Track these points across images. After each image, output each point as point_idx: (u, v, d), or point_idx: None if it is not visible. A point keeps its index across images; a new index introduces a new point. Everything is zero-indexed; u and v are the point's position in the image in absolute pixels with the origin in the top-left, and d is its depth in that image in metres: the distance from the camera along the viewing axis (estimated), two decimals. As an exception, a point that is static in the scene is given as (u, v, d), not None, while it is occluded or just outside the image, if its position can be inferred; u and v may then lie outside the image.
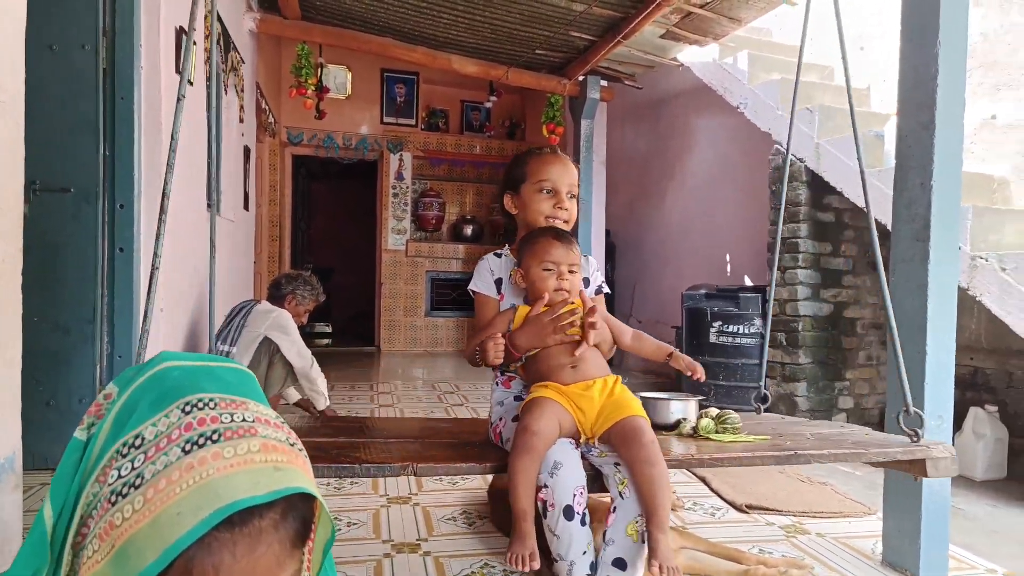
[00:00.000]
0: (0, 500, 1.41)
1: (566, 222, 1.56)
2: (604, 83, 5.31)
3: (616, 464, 1.29)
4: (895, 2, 2.07)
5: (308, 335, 7.09)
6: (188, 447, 0.57)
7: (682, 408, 1.71)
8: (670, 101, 5.82)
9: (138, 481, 0.56)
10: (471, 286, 1.59)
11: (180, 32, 2.92)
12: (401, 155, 7.12)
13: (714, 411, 1.73)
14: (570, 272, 1.45)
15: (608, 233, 5.96)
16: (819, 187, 3.68)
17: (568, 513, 1.22)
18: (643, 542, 1.22)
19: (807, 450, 1.51)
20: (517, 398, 1.51)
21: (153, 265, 1.65)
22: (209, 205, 3.73)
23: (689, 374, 1.46)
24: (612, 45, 4.50)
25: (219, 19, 3.55)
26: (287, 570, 0.58)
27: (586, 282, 1.62)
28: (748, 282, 4.76)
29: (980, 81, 3.60)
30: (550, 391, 1.35)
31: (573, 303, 1.46)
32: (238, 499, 0.54)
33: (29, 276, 1.51)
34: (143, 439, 0.58)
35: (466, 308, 7.34)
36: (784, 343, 3.75)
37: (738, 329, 3.97)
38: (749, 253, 4.72)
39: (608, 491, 1.30)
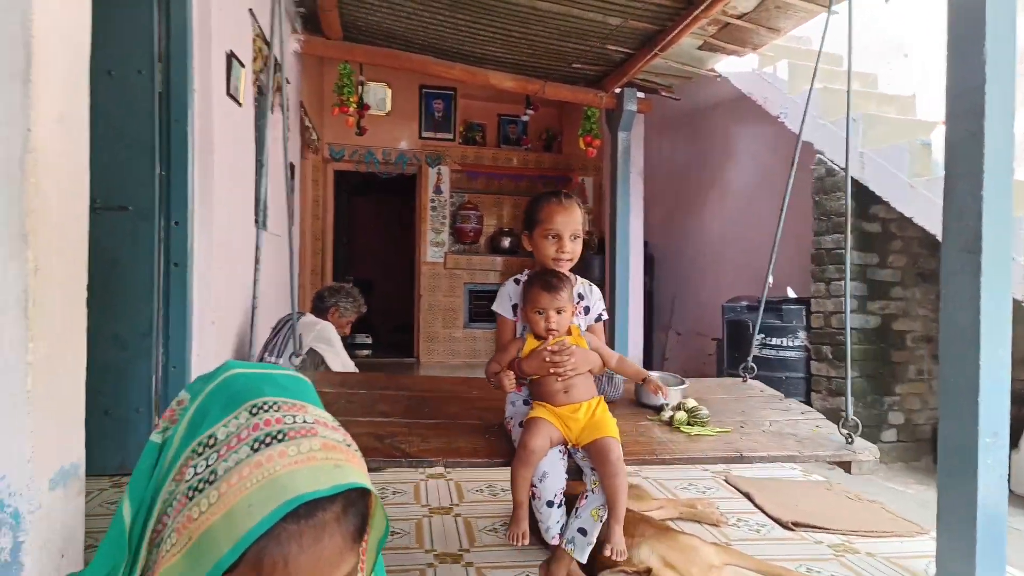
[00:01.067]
0: (65, 504, 1.48)
1: (570, 260, 1.86)
2: (641, 95, 5.31)
3: (592, 468, 1.74)
4: (941, 8, 2.03)
5: (349, 346, 7.21)
6: (256, 445, 0.61)
7: (676, 396, 2.11)
8: (708, 112, 5.78)
9: (212, 477, 0.60)
10: (494, 306, 1.93)
11: (231, 57, 3.04)
12: (439, 169, 7.22)
13: (691, 403, 2.06)
14: (557, 312, 1.78)
15: (647, 245, 5.93)
16: (864, 197, 3.60)
17: (549, 504, 1.73)
18: (600, 521, 1.71)
19: (751, 451, 1.83)
20: (525, 402, 1.88)
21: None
22: (257, 221, 3.85)
23: (655, 395, 1.93)
24: (649, 57, 4.50)
25: (266, 42, 3.68)
26: (347, 564, 0.62)
27: (587, 310, 1.93)
28: (791, 294, 4.67)
29: (1034, 86, 3.48)
30: (546, 412, 1.76)
31: (564, 336, 1.82)
32: (303, 492, 0.58)
33: (90, 291, 1.59)
34: (216, 439, 0.62)
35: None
36: (830, 356, 3.67)
37: (781, 342, 3.89)
38: (792, 264, 4.63)
39: (584, 483, 1.77)
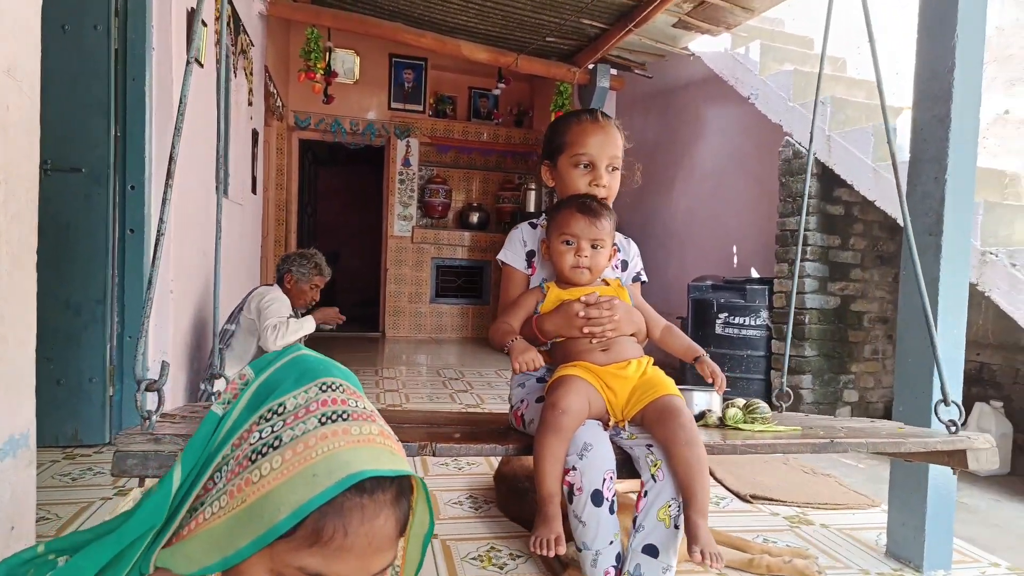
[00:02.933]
0: (15, 475, 1.43)
1: (604, 199, 1.42)
2: (614, 72, 5.28)
3: (649, 446, 1.21)
4: (913, -7, 2.05)
5: (313, 320, 7.11)
6: (323, 420, 0.63)
7: (707, 399, 1.62)
8: (680, 91, 5.79)
9: (276, 443, 0.62)
10: (500, 256, 1.48)
11: (191, 14, 2.92)
12: (408, 141, 7.10)
13: (741, 401, 1.65)
14: (592, 247, 1.33)
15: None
16: (829, 180, 3.66)
17: (596, 498, 1.15)
18: (676, 528, 1.15)
19: (844, 438, 1.44)
20: (540, 380, 1.40)
21: (156, 239, 1.63)
22: (217, 188, 3.73)
23: (710, 382, 1.37)
24: (623, 33, 4.47)
25: (230, 1, 3.54)
26: (395, 548, 0.64)
27: (624, 265, 1.53)
28: (755, 274, 4.75)
29: (994, 75, 3.57)
30: (579, 369, 1.27)
31: (599, 286, 1.38)
32: (367, 469, 0.60)
33: (41, 256, 1.52)
34: (285, 407, 0.64)
35: (471, 295, 7.34)
36: (791, 335, 3.75)
37: (744, 321, 3.96)
38: (756, 245, 4.71)
39: (638, 476, 1.22)
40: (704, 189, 5.48)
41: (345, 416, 0.64)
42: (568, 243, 1.35)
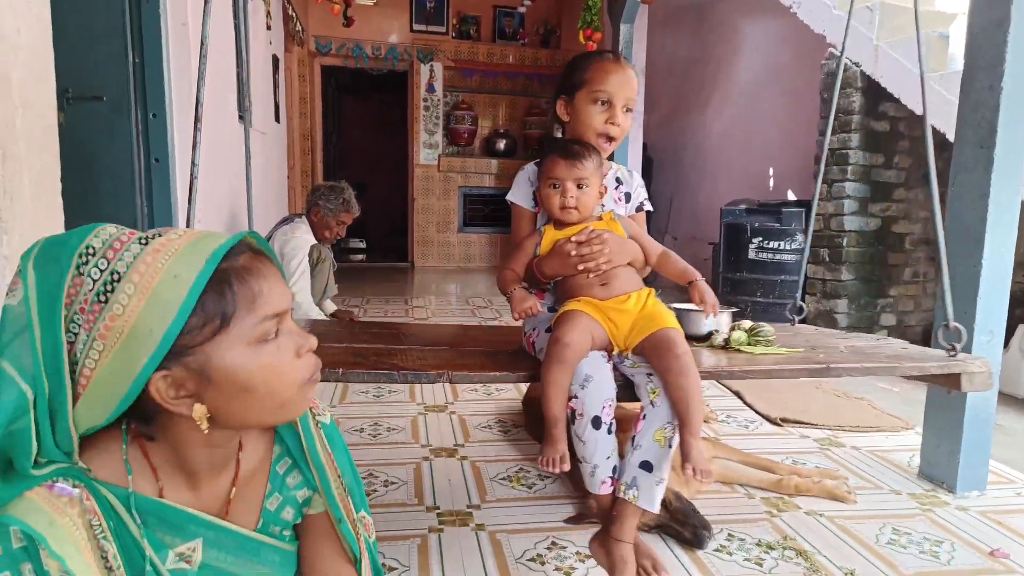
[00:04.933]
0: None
1: (615, 139, 1.49)
2: (646, -17, 4.99)
3: (648, 375, 1.32)
4: None
5: (342, 251, 7.18)
6: (143, 241, 0.68)
7: (713, 320, 1.68)
8: (716, 2, 5.47)
9: (116, 276, 0.66)
10: (509, 195, 1.56)
11: (201, -70, 2.80)
12: (432, 65, 6.91)
13: (747, 323, 1.71)
14: (579, 187, 1.41)
15: (645, 147, 5.77)
16: (875, 94, 3.47)
17: (596, 423, 1.28)
18: (669, 447, 1.28)
19: (840, 363, 1.48)
20: (551, 309, 1.51)
21: (192, 175, 1.64)
22: (241, 116, 3.70)
23: (698, 305, 1.42)
24: (656, -61, 4.19)
25: (241, -84, 3.39)
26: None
27: (627, 197, 1.58)
28: (791, 196, 4.60)
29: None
30: (583, 304, 1.37)
31: (592, 223, 1.44)
32: (221, 244, 0.69)
33: (67, 187, 1.52)
34: (93, 248, 0.67)
35: (499, 224, 7.29)
36: (827, 259, 3.66)
37: (779, 245, 3.87)
38: (794, 166, 4.54)
39: (639, 400, 1.34)
40: (739, 108, 5.26)
41: (156, 234, 0.69)
42: (555, 186, 1.43)
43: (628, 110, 1.48)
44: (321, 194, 3.33)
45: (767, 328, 1.66)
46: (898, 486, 1.92)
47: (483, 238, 7.31)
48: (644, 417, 1.30)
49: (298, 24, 5.80)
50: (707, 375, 1.40)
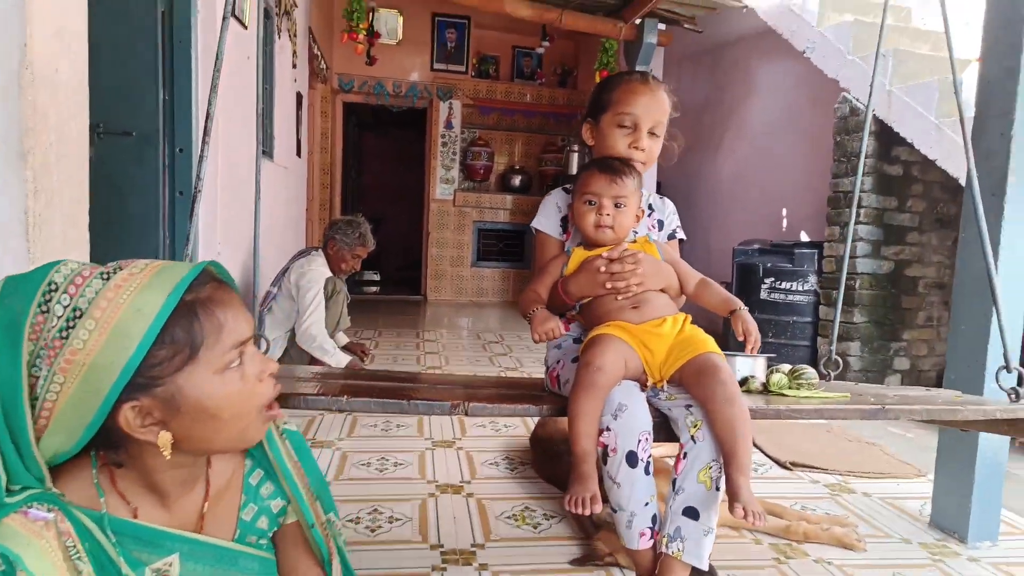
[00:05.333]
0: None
1: (643, 164, 1.39)
2: (662, 26, 5.11)
3: (688, 407, 1.17)
4: (985, -66, 1.91)
5: (356, 283, 7.26)
6: (104, 276, 0.70)
7: (750, 364, 1.54)
8: (731, 46, 5.57)
9: (78, 313, 0.68)
10: (533, 223, 1.46)
11: (233, -25, 2.93)
12: (451, 103, 7.06)
13: (786, 367, 1.57)
14: (616, 206, 1.31)
15: (658, 185, 5.83)
16: (888, 138, 3.49)
17: (631, 459, 1.12)
18: (716, 489, 1.12)
19: (897, 405, 1.37)
20: (577, 340, 1.37)
21: (194, 196, 1.65)
22: (265, 152, 3.80)
23: (741, 339, 1.28)
24: (671, -14, 4.31)
25: (271, -38, 3.54)
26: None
27: (660, 225, 1.51)
28: (805, 238, 4.61)
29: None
30: (614, 328, 1.23)
31: (627, 244, 1.35)
32: (184, 276, 0.71)
33: (95, 219, 1.58)
34: (55, 284, 0.70)
35: (513, 259, 7.35)
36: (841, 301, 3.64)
37: (791, 286, 3.87)
38: (808, 208, 4.56)
39: (676, 439, 1.18)
40: (753, 150, 5.31)
41: (116, 268, 0.72)
42: (591, 203, 1.32)
43: (654, 135, 1.39)
44: (338, 228, 3.38)
45: (809, 371, 1.51)
46: (909, 535, 1.89)
47: (496, 273, 7.36)
48: (685, 456, 1.14)
49: (323, 62, 5.98)
50: (754, 414, 1.21)
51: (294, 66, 4.65)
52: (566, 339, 1.40)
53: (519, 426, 2.73)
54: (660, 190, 6.00)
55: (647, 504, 1.13)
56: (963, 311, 1.88)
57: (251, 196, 3.26)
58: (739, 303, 1.32)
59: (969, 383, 1.81)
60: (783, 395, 1.46)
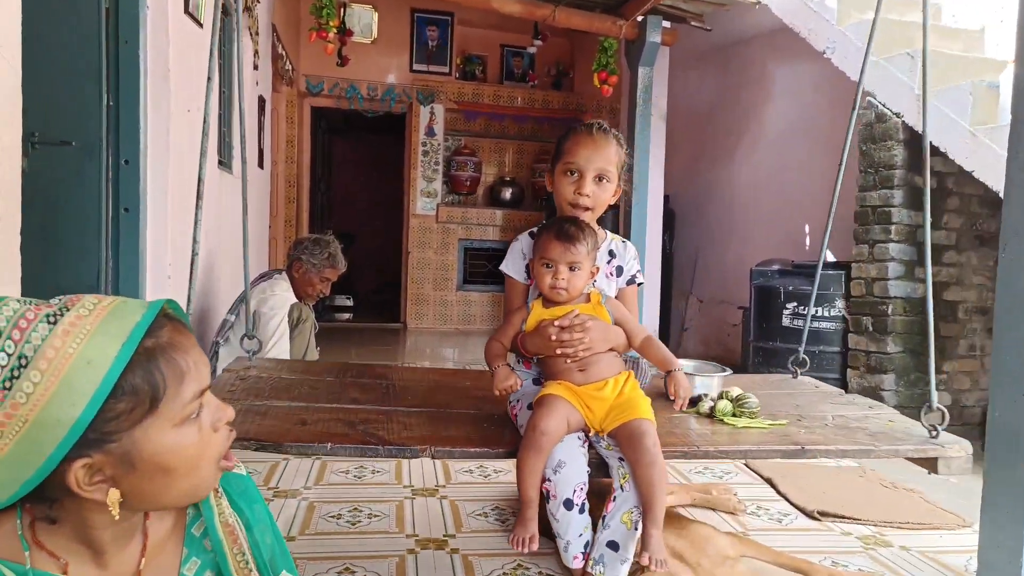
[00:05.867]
0: None
1: (589, 209, 1.72)
2: (667, 24, 5.19)
3: (620, 459, 1.56)
4: (1019, -76, 1.96)
5: (325, 309, 7.23)
6: (51, 319, 0.70)
7: (707, 384, 1.96)
8: (743, 45, 5.67)
9: (23, 361, 0.68)
10: (502, 266, 1.81)
11: (189, -33, 2.96)
12: (432, 108, 7.13)
13: (735, 391, 1.91)
14: (571, 270, 1.63)
15: (667, 198, 5.89)
16: (919, 146, 3.54)
17: (568, 504, 1.53)
18: (636, 529, 1.52)
19: (815, 445, 1.69)
20: (536, 381, 1.75)
21: (193, 252, 1.76)
22: (222, 163, 3.81)
23: (672, 398, 1.64)
24: (677, -21, 4.39)
25: (231, -48, 3.59)
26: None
27: (619, 271, 1.81)
28: (830, 257, 4.65)
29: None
30: (561, 388, 1.60)
31: (577, 304, 1.67)
32: (138, 321, 0.72)
33: (29, 236, 1.58)
34: None
35: (503, 282, 7.36)
36: (870, 328, 3.67)
37: (816, 311, 3.89)
38: (833, 224, 4.60)
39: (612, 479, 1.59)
40: (770, 159, 5.38)
41: (63, 310, 0.72)
42: (547, 266, 1.64)
43: (603, 180, 1.71)
44: (304, 248, 3.38)
45: (752, 400, 1.87)
46: (954, 595, 1.88)
47: (485, 297, 7.37)
48: (614, 499, 1.55)
49: (288, 63, 6.03)
50: (681, 455, 1.65)
51: (256, 67, 4.69)
52: (526, 379, 1.76)
53: (509, 471, 2.71)
54: (669, 203, 6.06)
55: (580, 535, 1.55)
56: (1006, 339, 1.89)
57: (206, 212, 3.27)
58: (676, 364, 1.68)
59: (1017, 421, 1.81)
60: (723, 422, 1.82)
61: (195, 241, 2.01)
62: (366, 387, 2.01)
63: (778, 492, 2.65)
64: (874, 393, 3.60)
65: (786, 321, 3.97)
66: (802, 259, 4.54)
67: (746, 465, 2.97)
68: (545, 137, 7.52)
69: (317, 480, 2.58)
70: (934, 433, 1.78)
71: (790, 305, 3.97)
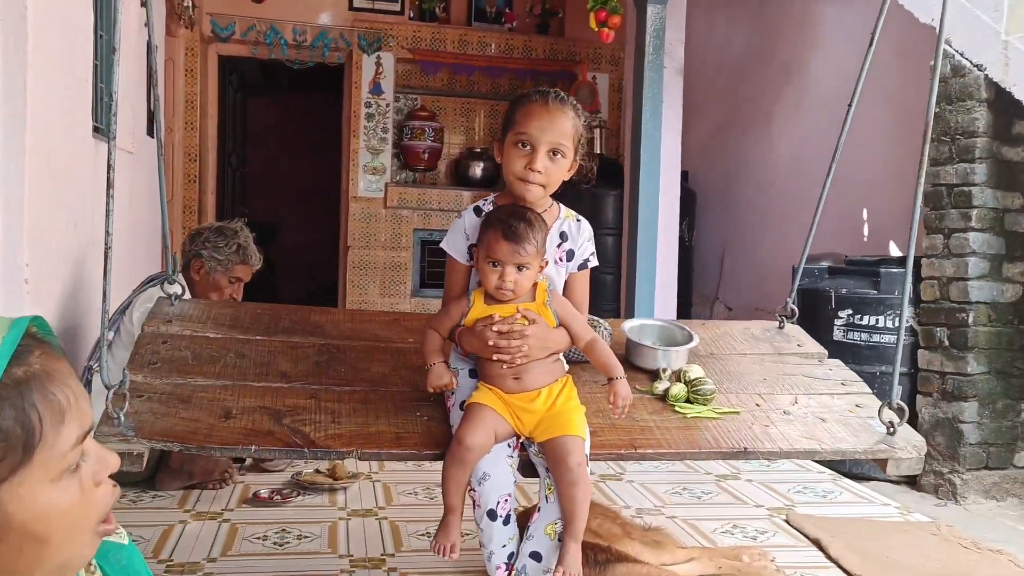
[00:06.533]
0: None
1: (541, 184, 1.96)
2: (683, -50, 5.24)
3: (547, 469, 1.92)
4: None
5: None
6: None
7: (667, 358, 2.32)
8: (783, -23, 5.73)
9: None
10: (443, 243, 2.06)
11: None
12: (379, 57, 7.11)
13: (695, 371, 2.26)
14: (518, 269, 1.88)
15: (685, 176, 5.92)
16: (1006, 108, 3.60)
17: (491, 515, 1.89)
18: (559, 541, 1.87)
19: (758, 445, 2.05)
20: (472, 373, 2.04)
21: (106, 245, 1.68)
22: (97, 129, 3.77)
23: (610, 405, 1.96)
24: None
25: None
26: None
27: (570, 255, 2.06)
28: (895, 251, 4.70)
29: None
30: (492, 397, 1.91)
31: (519, 303, 1.94)
32: (1, 341, 0.72)
33: None
34: None
35: (473, 285, 7.36)
36: (946, 342, 3.71)
37: (876, 322, 3.93)
38: (897, 208, 4.65)
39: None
40: (819, 125, 5.42)
41: None
42: (494, 265, 1.89)
43: (557, 154, 1.95)
44: (204, 240, 3.35)
45: (708, 385, 2.21)
46: None
47: (449, 305, 7.35)
48: (539, 511, 1.92)
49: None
50: (617, 456, 2.14)
51: (143, 3, 4.65)
52: (464, 369, 2.06)
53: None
54: (687, 182, 6.08)
55: (504, 546, 1.91)
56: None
57: (74, 196, 3.23)
58: (619, 372, 1.97)
59: None
60: (674, 409, 2.16)
61: (107, 234, 2.16)
62: (298, 351, 2.29)
63: (828, 557, 2.67)
64: (951, 426, 3.64)
65: (838, 334, 4.00)
66: (859, 254, 4.57)
67: (787, 522, 2.99)
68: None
69: (224, 550, 2.56)
70: (891, 430, 2.09)
71: (843, 313, 4.00)
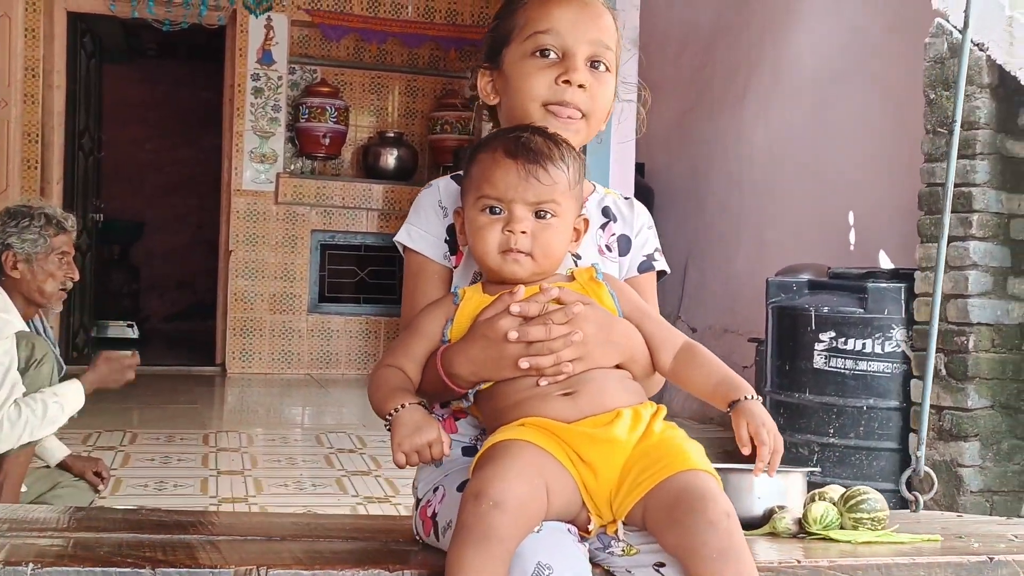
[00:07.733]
0: None
1: (583, 113, 1.45)
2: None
3: (659, 566, 1.23)
4: None
5: (91, 343, 7.03)
6: None
7: (776, 488, 1.69)
8: (757, -66, 5.84)
9: None
10: (398, 236, 1.48)
11: None
12: (270, 19, 7.07)
13: (835, 491, 1.73)
14: (538, 216, 1.32)
15: (639, 169, 5.97)
16: (1012, 94, 3.67)
17: None
18: None
19: (1008, 553, 1.53)
20: (467, 451, 1.42)
21: None
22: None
23: (746, 450, 1.31)
24: None
25: None
26: None
27: (623, 244, 1.55)
28: (886, 262, 4.76)
29: None
30: (531, 430, 1.25)
31: (556, 285, 1.35)
32: None
33: None
34: None
35: (387, 299, 7.32)
36: (942, 371, 3.76)
37: (863, 346, 3.96)
38: (888, 211, 4.73)
39: None
40: (799, 111, 5.51)
41: None
42: (493, 211, 1.33)
43: (600, 65, 1.45)
44: (11, 225, 3.27)
45: (873, 498, 1.67)
46: None
47: (354, 324, 7.32)
48: None
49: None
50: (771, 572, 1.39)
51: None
52: (456, 446, 1.41)
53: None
54: (644, 178, 6.14)
55: None
56: None
57: None
58: (747, 389, 1.35)
59: None
60: (829, 539, 1.57)
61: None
62: (157, 525, 1.60)
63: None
64: (948, 470, 3.71)
65: (819, 361, 4.01)
66: (844, 264, 4.59)
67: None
68: (452, 70, 7.56)
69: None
70: (914, 508, 1.82)
71: (825, 336, 4.01)
